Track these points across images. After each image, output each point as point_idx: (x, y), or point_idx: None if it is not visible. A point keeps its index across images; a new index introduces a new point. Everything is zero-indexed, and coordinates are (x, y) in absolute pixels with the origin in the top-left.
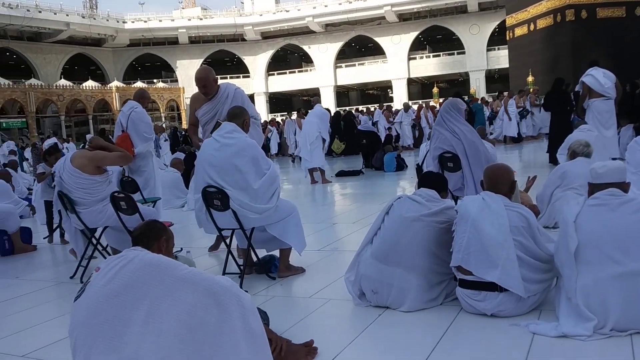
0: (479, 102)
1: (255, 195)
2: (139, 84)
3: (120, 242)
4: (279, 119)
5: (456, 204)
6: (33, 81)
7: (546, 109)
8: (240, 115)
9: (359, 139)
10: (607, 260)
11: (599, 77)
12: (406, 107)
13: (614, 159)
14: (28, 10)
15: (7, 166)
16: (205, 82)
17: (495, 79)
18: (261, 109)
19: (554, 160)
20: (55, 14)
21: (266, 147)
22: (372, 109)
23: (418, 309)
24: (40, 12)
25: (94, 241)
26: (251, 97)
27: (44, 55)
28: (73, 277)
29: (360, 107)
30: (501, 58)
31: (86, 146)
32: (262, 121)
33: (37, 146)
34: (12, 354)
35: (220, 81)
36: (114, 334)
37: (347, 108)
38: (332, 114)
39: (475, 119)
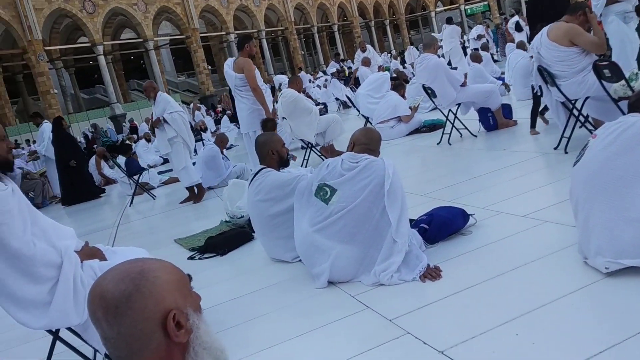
0: None
1: None
2: None
3: (602, 112)
4: None
5: None
6: None
7: None
8: None
9: None
10: None
11: None
12: None
13: None
14: None
15: (482, 49)
16: None
17: None
18: None
19: None
20: None
21: None
22: None
23: None
24: None
25: (575, 112)
26: None
27: None
28: (557, 148)
29: None
30: None
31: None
32: None
33: (500, 27)
34: (514, 214)
35: None
36: (615, 195)
37: None
38: None
39: None
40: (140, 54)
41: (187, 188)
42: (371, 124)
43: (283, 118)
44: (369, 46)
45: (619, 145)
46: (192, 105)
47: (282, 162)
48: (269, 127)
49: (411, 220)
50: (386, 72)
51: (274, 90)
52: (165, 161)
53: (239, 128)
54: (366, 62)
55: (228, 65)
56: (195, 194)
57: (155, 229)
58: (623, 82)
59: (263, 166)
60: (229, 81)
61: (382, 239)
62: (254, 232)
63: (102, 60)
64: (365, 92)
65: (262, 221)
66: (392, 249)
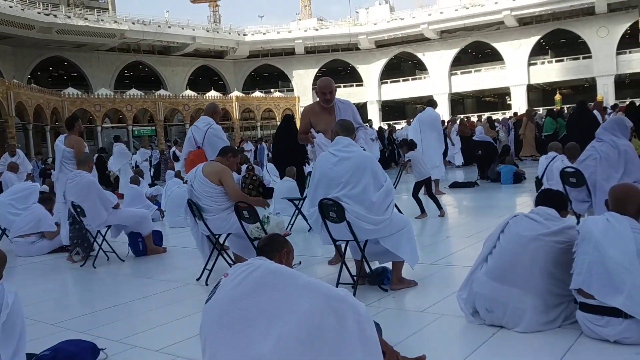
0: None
1: (371, 207)
2: (257, 94)
3: (242, 248)
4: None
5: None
6: (162, 92)
7: None
8: (353, 130)
9: (474, 150)
10: None
11: None
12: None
13: None
14: (159, 27)
15: (136, 173)
16: (329, 90)
17: (627, 85)
18: (374, 117)
19: None
20: (182, 28)
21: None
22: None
23: (535, 331)
24: (169, 27)
25: (218, 247)
26: (364, 105)
27: (172, 68)
28: (199, 280)
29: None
30: (633, 62)
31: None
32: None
33: (165, 153)
34: (148, 348)
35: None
36: (240, 334)
37: (462, 116)
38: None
39: None
40: None
41: None
42: (7, 236)
43: None
44: (19, 151)
45: (245, 286)
46: None
47: None
48: None
49: (32, 355)
50: (36, 184)
51: None
52: None
53: None
54: (13, 167)
55: (60, 140)
56: None
57: None
58: (258, 224)
59: None
60: (58, 153)
61: None
62: None
63: None
64: (8, 200)
65: None
66: None
